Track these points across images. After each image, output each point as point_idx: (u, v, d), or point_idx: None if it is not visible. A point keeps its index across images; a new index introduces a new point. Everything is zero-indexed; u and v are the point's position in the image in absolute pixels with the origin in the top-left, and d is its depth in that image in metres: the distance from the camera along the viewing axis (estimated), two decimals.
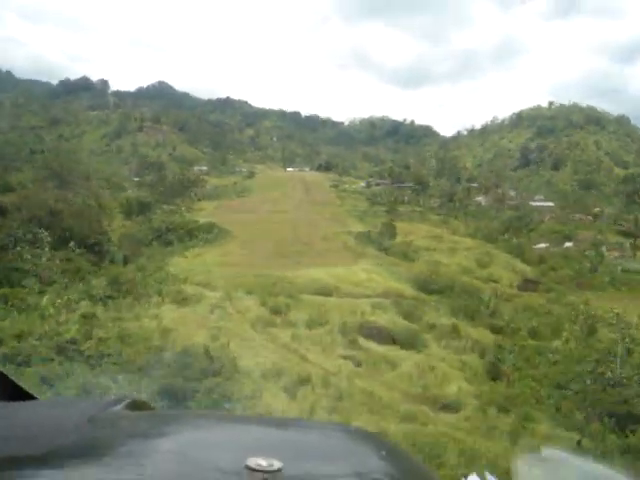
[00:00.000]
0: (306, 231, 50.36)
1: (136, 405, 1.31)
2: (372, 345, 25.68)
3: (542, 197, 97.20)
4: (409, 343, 26.40)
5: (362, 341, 25.77)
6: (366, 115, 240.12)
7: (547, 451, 1.13)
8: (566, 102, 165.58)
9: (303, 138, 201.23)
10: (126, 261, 38.12)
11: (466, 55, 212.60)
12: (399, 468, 1.01)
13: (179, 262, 38.37)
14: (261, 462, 0.86)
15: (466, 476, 1.10)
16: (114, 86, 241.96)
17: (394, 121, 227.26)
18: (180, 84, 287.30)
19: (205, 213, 60.84)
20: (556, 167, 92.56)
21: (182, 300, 27.90)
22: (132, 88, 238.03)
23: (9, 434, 1.01)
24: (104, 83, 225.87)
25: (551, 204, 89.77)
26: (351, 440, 1.17)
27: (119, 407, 1.25)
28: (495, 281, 43.30)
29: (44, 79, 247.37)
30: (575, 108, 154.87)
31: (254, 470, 0.85)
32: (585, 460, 1.13)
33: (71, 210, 40.55)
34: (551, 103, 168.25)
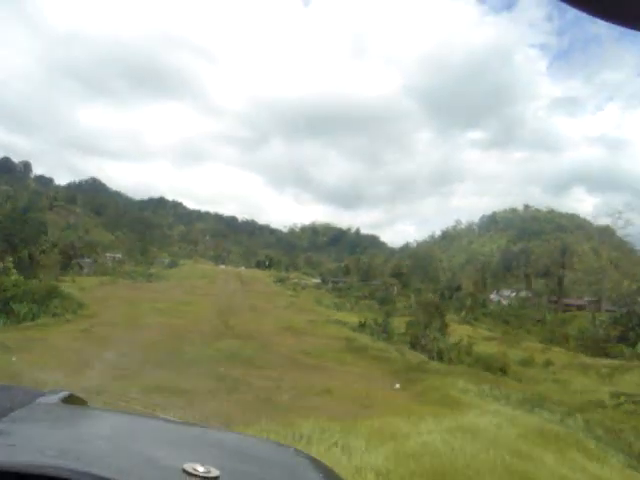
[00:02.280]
0: (250, 318, 32.09)
1: (72, 400, 1.29)
2: None
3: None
4: None
5: None
6: (307, 222, 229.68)
7: None
8: (542, 207, 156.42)
9: (239, 240, 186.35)
10: None
11: (405, 178, 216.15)
12: None
13: None
14: (198, 467, 0.85)
15: None
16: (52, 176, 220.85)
17: (338, 229, 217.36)
18: (114, 183, 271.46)
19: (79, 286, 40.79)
20: (547, 272, 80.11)
21: None
22: (63, 182, 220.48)
23: None
24: (26, 166, 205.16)
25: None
26: (295, 464, 1.17)
27: (54, 399, 1.22)
28: None
29: None
30: (555, 213, 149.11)
31: (190, 475, 0.83)
32: None
33: None
34: (527, 206, 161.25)
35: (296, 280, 72.79)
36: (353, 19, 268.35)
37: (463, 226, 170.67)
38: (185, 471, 0.84)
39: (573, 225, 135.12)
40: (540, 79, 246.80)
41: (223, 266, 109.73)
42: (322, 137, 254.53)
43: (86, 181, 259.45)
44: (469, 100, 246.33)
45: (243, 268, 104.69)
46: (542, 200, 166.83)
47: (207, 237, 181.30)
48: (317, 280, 77.58)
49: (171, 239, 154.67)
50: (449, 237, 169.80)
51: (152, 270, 77.30)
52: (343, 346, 27.31)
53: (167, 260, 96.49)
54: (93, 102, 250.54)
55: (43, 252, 45.20)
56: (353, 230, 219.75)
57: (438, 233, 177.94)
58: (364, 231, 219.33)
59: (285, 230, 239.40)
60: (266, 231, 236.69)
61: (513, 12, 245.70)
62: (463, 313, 49.91)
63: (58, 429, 1.06)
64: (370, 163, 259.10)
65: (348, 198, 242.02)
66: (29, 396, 1.18)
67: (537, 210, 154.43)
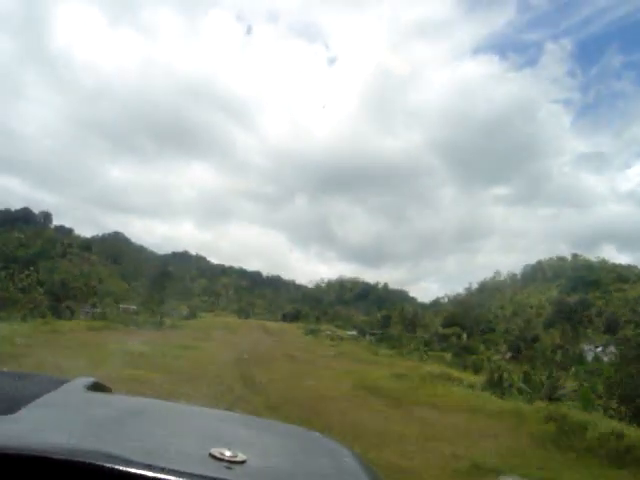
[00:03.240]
0: (289, 370, 21.79)
1: (97, 387, 1.31)
2: None
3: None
4: None
5: None
6: (333, 277, 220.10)
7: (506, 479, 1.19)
8: (592, 257, 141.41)
9: (263, 294, 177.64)
10: None
11: (430, 234, 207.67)
12: (360, 477, 1.02)
13: None
14: (225, 452, 0.86)
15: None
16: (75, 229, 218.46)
17: (365, 284, 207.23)
18: (138, 238, 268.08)
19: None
20: (611, 327, 68.60)
21: None
22: (88, 235, 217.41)
23: None
24: (46, 216, 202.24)
25: None
26: (322, 448, 1.19)
27: (79, 386, 1.23)
28: None
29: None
30: (606, 263, 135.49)
31: (218, 459, 0.84)
32: None
33: None
34: (576, 255, 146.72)
35: (329, 332, 62.78)
36: (376, 75, 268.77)
37: (503, 277, 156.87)
38: (212, 456, 0.85)
39: (635, 276, 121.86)
40: (565, 134, 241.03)
41: (247, 319, 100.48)
42: (345, 194, 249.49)
43: (109, 234, 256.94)
44: (493, 156, 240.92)
45: (269, 321, 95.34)
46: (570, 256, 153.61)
47: (230, 291, 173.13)
48: (352, 332, 67.28)
49: (192, 292, 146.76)
50: (488, 289, 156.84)
51: (166, 320, 68.35)
52: (547, 438, 13.06)
53: (185, 312, 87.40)
54: (119, 158, 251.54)
55: (22, 290, 36.67)
56: (381, 285, 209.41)
57: (475, 286, 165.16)
58: (392, 286, 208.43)
59: (311, 285, 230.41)
60: (291, 286, 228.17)
61: (535, 68, 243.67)
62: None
63: (84, 415, 1.05)
64: (394, 220, 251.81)
65: (372, 255, 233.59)
66: (54, 383, 1.17)
67: (586, 260, 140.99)
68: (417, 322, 68.54)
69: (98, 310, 68.42)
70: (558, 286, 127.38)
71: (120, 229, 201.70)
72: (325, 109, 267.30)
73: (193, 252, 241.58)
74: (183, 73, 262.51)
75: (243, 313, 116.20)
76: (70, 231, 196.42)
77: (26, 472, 0.74)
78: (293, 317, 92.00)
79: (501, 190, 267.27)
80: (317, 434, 1.31)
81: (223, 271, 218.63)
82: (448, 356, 41.41)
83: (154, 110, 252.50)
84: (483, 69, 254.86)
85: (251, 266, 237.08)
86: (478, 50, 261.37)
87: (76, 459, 0.76)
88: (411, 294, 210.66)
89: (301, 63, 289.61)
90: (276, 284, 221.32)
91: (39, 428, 0.90)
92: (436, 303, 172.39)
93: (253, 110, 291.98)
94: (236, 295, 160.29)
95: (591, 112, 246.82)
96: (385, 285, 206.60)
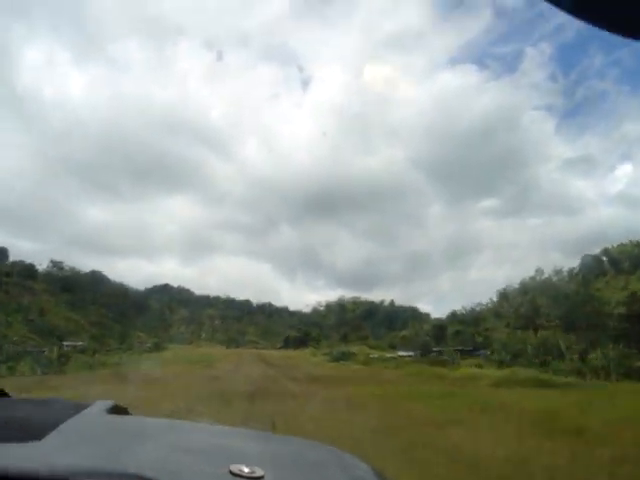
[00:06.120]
0: None
1: (116, 410, 1.33)
2: None
3: None
4: None
5: None
6: (332, 299, 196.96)
7: None
8: None
9: (256, 322, 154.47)
10: None
11: (420, 253, 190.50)
12: None
13: None
14: (244, 468, 0.87)
15: None
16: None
17: (369, 303, 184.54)
18: (118, 276, 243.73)
19: None
20: None
21: None
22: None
23: None
24: (2, 252, 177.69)
25: None
26: (339, 463, 1.17)
27: (99, 410, 1.26)
28: None
29: None
30: None
31: (237, 476, 0.85)
32: None
33: None
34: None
35: (375, 354, 40.52)
36: (353, 93, 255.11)
37: (547, 275, 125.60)
38: (232, 473, 0.86)
39: None
40: (550, 140, 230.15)
41: (237, 348, 77.62)
42: (330, 218, 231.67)
43: (85, 274, 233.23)
44: (478, 168, 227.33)
45: (265, 350, 72.18)
46: (565, 265, 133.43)
47: (216, 321, 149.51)
48: (404, 352, 44.95)
49: (169, 324, 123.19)
50: (530, 289, 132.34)
51: (108, 359, 45.53)
52: None
53: (148, 344, 64.37)
54: (94, 198, 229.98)
55: None
56: (387, 303, 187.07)
57: (492, 296, 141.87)
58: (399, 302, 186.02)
59: (307, 310, 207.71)
60: (284, 313, 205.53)
61: (515, 75, 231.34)
62: None
63: (105, 438, 1.07)
64: (382, 241, 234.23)
65: (361, 280, 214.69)
66: (75, 408, 1.20)
67: None
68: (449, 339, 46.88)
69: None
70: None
71: (98, 268, 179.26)
72: (303, 131, 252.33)
73: (175, 285, 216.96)
74: (155, 105, 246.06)
75: (233, 342, 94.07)
76: (32, 267, 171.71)
77: None
78: (299, 342, 69.50)
79: (489, 202, 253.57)
80: (333, 448, 1.27)
81: (208, 302, 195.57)
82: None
83: (128, 146, 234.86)
84: (462, 80, 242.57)
85: (239, 295, 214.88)
86: (455, 61, 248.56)
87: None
88: (421, 310, 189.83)
89: (275, 87, 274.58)
90: (268, 311, 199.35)
91: (64, 452, 0.92)
92: (453, 316, 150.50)
93: (230, 139, 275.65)
94: (223, 325, 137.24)
95: (575, 115, 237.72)
96: (392, 302, 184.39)
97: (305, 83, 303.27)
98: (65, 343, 67.57)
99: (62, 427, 1.04)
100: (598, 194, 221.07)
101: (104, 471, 0.80)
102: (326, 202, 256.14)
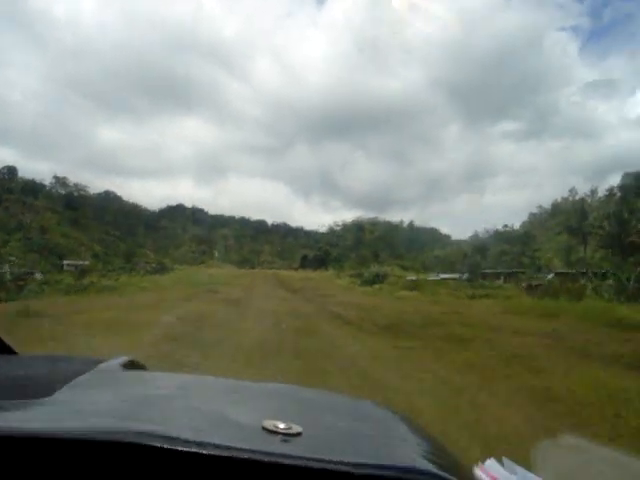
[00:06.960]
0: None
1: (133, 365, 1.27)
2: None
3: None
4: None
5: None
6: (348, 219, 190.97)
7: (568, 438, 1.07)
8: None
9: (271, 241, 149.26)
10: None
11: (437, 175, 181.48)
12: (424, 449, 0.94)
13: None
14: (279, 424, 0.80)
15: (483, 461, 1.01)
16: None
17: (388, 223, 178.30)
18: (133, 197, 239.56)
19: None
20: None
21: None
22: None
23: None
24: (10, 170, 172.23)
25: None
26: (376, 416, 1.12)
27: (114, 365, 1.21)
28: None
29: None
30: None
31: (272, 432, 0.79)
32: (606, 448, 1.07)
33: None
34: None
35: (412, 276, 34.54)
36: (370, 11, 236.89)
37: (580, 195, 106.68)
38: (265, 428, 0.79)
39: None
40: (573, 63, 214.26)
41: (252, 269, 72.42)
42: (347, 140, 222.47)
43: (99, 194, 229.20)
44: (498, 90, 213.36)
45: (281, 270, 66.86)
46: (585, 189, 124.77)
47: (230, 241, 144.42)
48: (447, 275, 39.10)
49: (181, 243, 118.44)
50: (562, 212, 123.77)
51: (123, 279, 39.96)
52: None
53: (154, 264, 59.07)
54: (108, 118, 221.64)
55: None
56: (406, 224, 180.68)
57: (527, 216, 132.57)
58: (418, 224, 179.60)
59: (323, 230, 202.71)
60: (300, 233, 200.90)
61: None
62: None
63: (123, 393, 1.00)
64: (398, 163, 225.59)
65: (377, 201, 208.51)
66: (90, 363, 1.15)
67: None
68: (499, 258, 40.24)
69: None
70: None
71: (112, 189, 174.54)
72: (320, 52, 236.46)
73: (189, 205, 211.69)
74: (168, 23, 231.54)
75: (247, 263, 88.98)
76: (43, 187, 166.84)
77: (65, 455, 0.70)
78: (318, 263, 63.73)
79: (509, 125, 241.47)
80: (369, 402, 1.21)
81: (223, 222, 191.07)
82: None
83: (141, 65, 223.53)
84: None
85: (254, 216, 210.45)
86: None
87: (117, 439, 0.70)
88: (442, 231, 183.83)
89: (292, 6, 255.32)
90: (283, 231, 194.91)
91: (76, 410, 0.84)
92: (476, 238, 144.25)
93: (245, 58, 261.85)
94: (237, 244, 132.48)
95: (599, 38, 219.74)
96: (411, 223, 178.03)
97: (320, 2, 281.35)
98: (65, 262, 63.00)
99: (74, 383, 0.97)
100: (619, 118, 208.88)
101: (120, 430, 0.72)
102: (342, 123, 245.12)
